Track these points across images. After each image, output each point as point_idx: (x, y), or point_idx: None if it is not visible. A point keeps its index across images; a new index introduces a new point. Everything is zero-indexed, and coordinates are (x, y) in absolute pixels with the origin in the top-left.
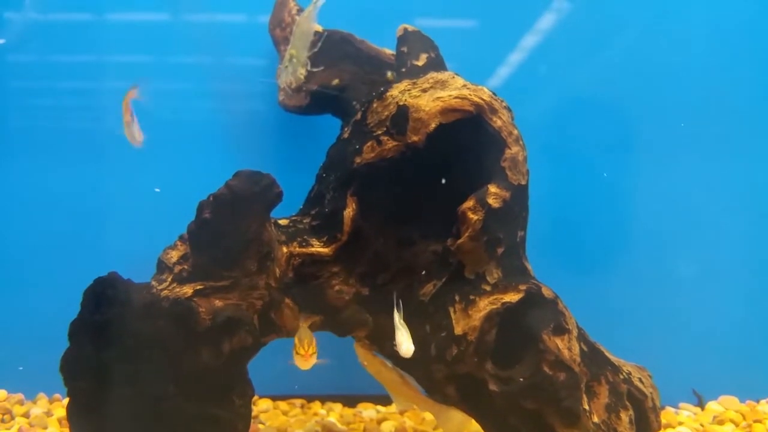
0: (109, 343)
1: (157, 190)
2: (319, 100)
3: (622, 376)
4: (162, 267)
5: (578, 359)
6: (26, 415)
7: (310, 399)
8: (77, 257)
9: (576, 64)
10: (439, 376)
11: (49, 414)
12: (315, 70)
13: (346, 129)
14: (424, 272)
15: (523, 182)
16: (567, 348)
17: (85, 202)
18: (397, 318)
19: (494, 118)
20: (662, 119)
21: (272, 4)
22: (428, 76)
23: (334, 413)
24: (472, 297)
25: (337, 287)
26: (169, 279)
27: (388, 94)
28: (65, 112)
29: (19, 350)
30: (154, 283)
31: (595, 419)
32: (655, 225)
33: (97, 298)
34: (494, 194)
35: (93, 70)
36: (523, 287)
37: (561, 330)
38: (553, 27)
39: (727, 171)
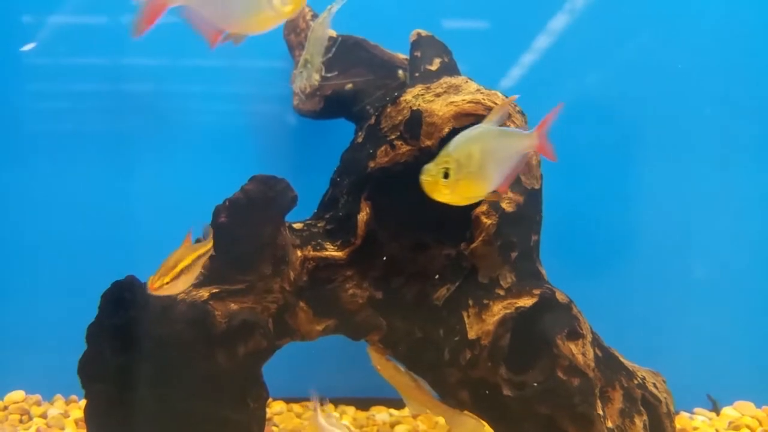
0: (126, 346)
1: None
2: (333, 105)
3: (636, 381)
4: None
5: (592, 364)
6: (44, 416)
7: (323, 401)
8: (95, 260)
9: (588, 68)
10: (452, 380)
11: (65, 415)
12: (329, 75)
13: (360, 133)
14: (437, 276)
15: (537, 186)
16: (581, 353)
17: (103, 205)
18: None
19: (508, 123)
20: (675, 122)
21: None
22: (442, 80)
23: (347, 416)
24: (485, 301)
25: (350, 291)
26: None
27: (401, 98)
28: (84, 114)
29: (38, 352)
30: None
31: (609, 424)
32: (668, 228)
33: (115, 302)
34: (508, 198)
35: (111, 73)
36: (537, 292)
37: (575, 335)
38: (565, 30)
39: (740, 174)
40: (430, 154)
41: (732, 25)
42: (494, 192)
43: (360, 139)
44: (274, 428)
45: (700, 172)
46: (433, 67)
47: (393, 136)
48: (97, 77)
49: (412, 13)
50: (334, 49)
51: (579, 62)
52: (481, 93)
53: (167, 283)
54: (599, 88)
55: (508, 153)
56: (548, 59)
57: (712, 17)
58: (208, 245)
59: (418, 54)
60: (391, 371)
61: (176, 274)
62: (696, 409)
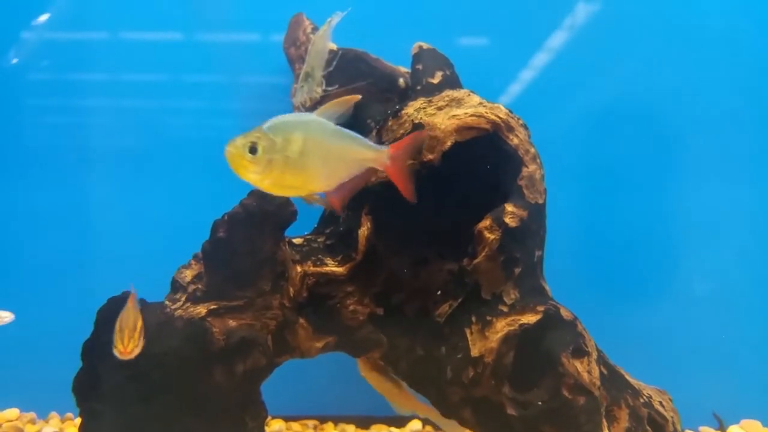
0: (122, 364)
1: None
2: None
3: (642, 400)
4: (176, 286)
5: (598, 383)
6: None
7: (323, 420)
8: (91, 276)
9: (593, 81)
10: (455, 399)
11: None
12: (330, 88)
13: None
14: (439, 292)
15: (541, 201)
16: (587, 371)
17: (99, 220)
18: None
19: (511, 136)
20: (682, 136)
21: (287, 22)
22: (443, 93)
23: None
24: (489, 318)
25: (351, 307)
26: (183, 298)
27: (403, 112)
28: (80, 130)
29: (32, 369)
30: (167, 302)
31: None
32: (672, 244)
33: (111, 318)
34: (511, 213)
35: (108, 89)
36: (541, 308)
37: (580, 352)
38: (570, 43)
39: (748, 189)
40: (432, 168)
41: (747, 34)
42: (320, 197)
43: None
44: None
45: (707, 188)
46: (435, 80)
47: None
48: (96, 93)
49: (413, 26)
50: (335, 63)
51: (582, 77)
52: (484, 106)
53: (137, 345)
54: (605, 102)
55: (344, 158)
56: (549, 74)
57: (726, 27)
58: None
59: (420, 67)
60: (376, 377)
61: (140, 335)
62: (702, 428)
